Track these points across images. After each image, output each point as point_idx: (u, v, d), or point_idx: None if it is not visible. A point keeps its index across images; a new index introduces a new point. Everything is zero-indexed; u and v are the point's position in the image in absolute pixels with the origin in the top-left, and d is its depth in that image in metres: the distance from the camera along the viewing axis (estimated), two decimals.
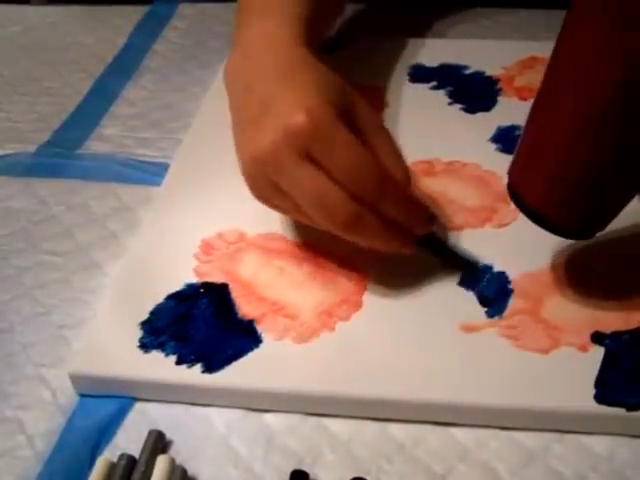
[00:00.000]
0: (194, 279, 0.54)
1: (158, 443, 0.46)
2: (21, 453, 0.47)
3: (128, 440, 0.47)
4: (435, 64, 0.73)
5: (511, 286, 0.52)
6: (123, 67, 0.80)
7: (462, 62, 0.73)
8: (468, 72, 0.72)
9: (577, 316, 0.50)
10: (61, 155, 0.69)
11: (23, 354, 0.53)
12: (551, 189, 0.45)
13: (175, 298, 0.53)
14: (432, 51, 0.75)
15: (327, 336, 0.50)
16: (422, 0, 0.82)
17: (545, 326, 0.49)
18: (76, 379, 0.50)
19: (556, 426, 0.46)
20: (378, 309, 0.52)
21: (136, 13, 0.89)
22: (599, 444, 0.45)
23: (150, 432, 0.46)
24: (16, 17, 0.91)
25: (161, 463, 0.45)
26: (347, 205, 0.48)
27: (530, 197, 0.46)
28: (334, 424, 0.47)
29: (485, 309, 0.51)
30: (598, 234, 0.47)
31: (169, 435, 0.47)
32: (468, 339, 0.49)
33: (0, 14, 0.92)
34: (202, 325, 0.51)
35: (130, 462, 0.45)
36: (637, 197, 0.47)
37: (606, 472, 0.44)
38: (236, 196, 0.58)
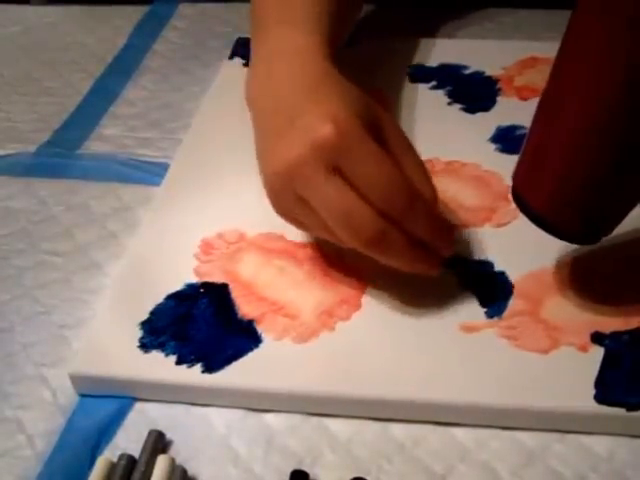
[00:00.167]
0: (194, 279, 0.54)
1: (158, 443, 0.46)
2: (21, 453, 0.47)
3: (128, 440, 0.47)
4: (435, 64, 0.73)
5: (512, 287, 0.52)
6: (123, 67, 0.80)
7: (462, 62, 0.73)
8: (468, 72, 0.72)
9: (577, 316, 0.50)
10: (61, 155, 0.69)
11: (23, 354, 0.53)
12: (557, 190, 0.45)
13: (175, 298, 0.53)
14: (432, 51, 0.75)
15: (327, 336, 0.50)
16: (422, 0, 0.82)
17: (545, 326, 0.49)
18: (76, 379, 0.50)
19: (556, 426, 0.46)
20: (378, 309, 0.52)
21: (136, 13, 0.89)
22: (599, 444, 0.45)
23: (150, 432, 0.46)
24: (16, 17, 0.91)
25: (161, 463, 0.45)
26: (374, 221, 0.46)
27: (535, 200, 0.46)
28: (334, 424, 0.47)
29: (485, 309, 0.51)
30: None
31: (169, 435, 0.47)
32: (468, 339, 0.49)
33: (0, 14, 0.92)
34: (202, 325, 0.51)
35: (130, 462, 0.45)
36: None
37: (606, 472, 0.44)
38: (236, 196, 0.58)
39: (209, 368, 0.49)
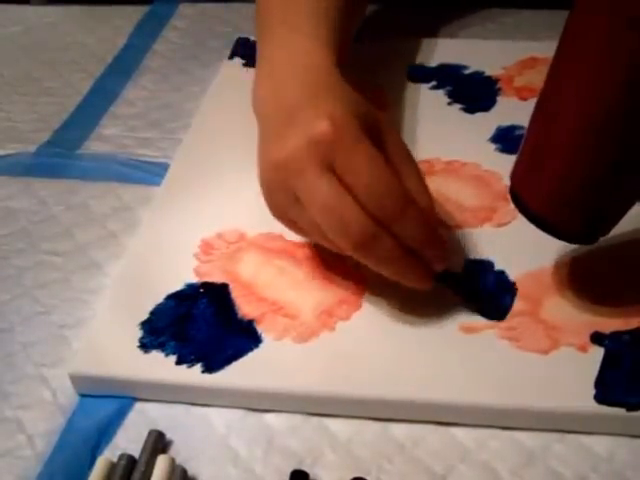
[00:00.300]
0: (194, 279, 0.54)
1: (158, 443, 0.46)
2: (21, 453, 0.47)
3: (128, 440, 0.47)
4: (435, 64, 0.73)
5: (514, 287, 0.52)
6: (123, 67, 0.80)
7: (462, 62, 0.73)
8: (468, 72, 0.72)
9: (576, 316, 0.50)
10: (61, 155, 0.69)
11: (23, 354, 0.53)
12: (555, 190, 0.45)
13: (175, 298, 0.53)
14: (432, 51, 0.75)
15: (327, 336, 0.50)
16: (422, 0, 0.82)
17: (545, 326, 0.49)
18: (76, 379, 0.50)
19: (556, 426, 0.46)
20: (378, 309, 0.52)
21: (136, 13, 0.89)
22: (599, 444, 0.45)
23: (150, 432, 0.46)
24: (16, 17, 0.91)
25: (161, 463, 0.45)
26: (362, 222, 0.46)
27: (533, 200, 0.46)
28: (334, 424, 0.47)
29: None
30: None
31: (169, 435, 0.47)
32: (468, 340, 0.49)
33: (0, 14, 0.92)
34: (202, 325, 0.51)
35: (130, 462, 0.45)
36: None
37: (606, 472, 0.44)
38: (236, 196, 0.58)
39: (209, 368, 0.49)
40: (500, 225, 0.56)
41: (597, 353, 0.47)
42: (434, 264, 0.49)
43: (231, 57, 0.77)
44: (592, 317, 0.49)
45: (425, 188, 0.50)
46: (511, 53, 0.73)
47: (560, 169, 0.45)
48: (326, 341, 0.50)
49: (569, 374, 0.47)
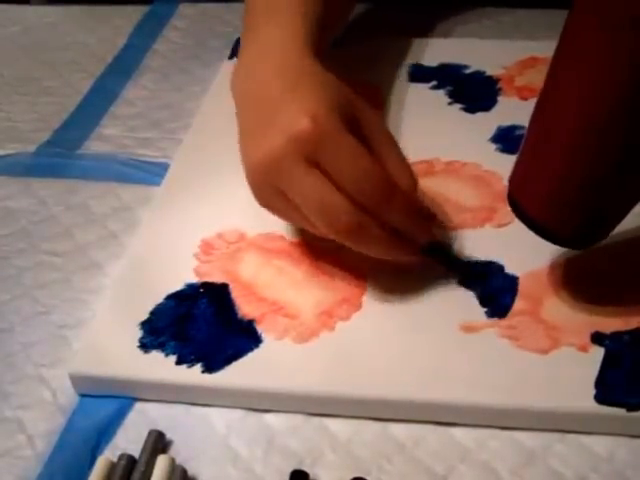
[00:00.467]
0: (194, 279, 0.54)
1: (158, 443, 0.46)
2: (21, 453, 0.47)
3: (128, 440, 0.47)
4: (435, 64, 0.73)
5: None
6: (123, 67, 0.80)
7: (462, 62, 0.73)
8: (468, 72, 0.72)
9: (577, 316, 0.50)
10: (61, 155, 0.69)
11: (23, 354, 0.53)
12: (555, 190, 0.45)
13: (175, 298, 0.53)
14: (432, 51, 0.75)
15: (327, 336, 0.50)
16: (422, 0, 0.82)
17: (545, 326, 0.49)
18: (76, 379, 0.50)
19: (556, 426, 0.46)
20: (378, 309, 0.52)
21: (136, 13, 0.89)
22: (599, 444, 0.45)
23: (150, 432, 0.46)
24: (16, 17, 0.91)
25: (161, 463, 0.45)
26: (349, 213, 0.48)
27: (532, 202, 0.46)
28: (334, 424, 0.47)
29: (485, 309, 0.51)
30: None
31: (169, 435, 0.47)
32: (468, 339, 0.49)
33: (0, 14, 0.92)
34: (202, 325, 0.51)
35: (130, 462, 0.45)
36: None
37: (606, 472, 0.44)
38: (236, 196, 0.58)
39: (209, 368, 0.49)
40: (501, 225, 0.56)
41: (597, 353, 0.47)
42: (419, 238, 0.51)
43: (231, 57, 0.77)
44: (592, 317, 0.49)
45: (407, 168, 0.52)
46: (511, 53, 0.73)
47: (560, 169, 0.44)
48: (326, 341, 0.50)
49: (569, 374, 0.47)
